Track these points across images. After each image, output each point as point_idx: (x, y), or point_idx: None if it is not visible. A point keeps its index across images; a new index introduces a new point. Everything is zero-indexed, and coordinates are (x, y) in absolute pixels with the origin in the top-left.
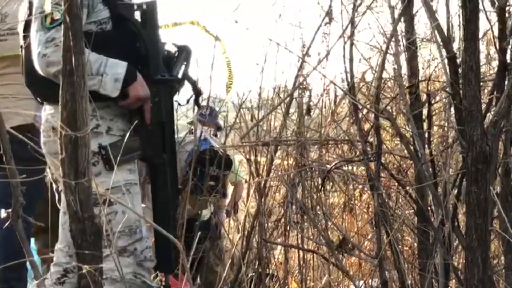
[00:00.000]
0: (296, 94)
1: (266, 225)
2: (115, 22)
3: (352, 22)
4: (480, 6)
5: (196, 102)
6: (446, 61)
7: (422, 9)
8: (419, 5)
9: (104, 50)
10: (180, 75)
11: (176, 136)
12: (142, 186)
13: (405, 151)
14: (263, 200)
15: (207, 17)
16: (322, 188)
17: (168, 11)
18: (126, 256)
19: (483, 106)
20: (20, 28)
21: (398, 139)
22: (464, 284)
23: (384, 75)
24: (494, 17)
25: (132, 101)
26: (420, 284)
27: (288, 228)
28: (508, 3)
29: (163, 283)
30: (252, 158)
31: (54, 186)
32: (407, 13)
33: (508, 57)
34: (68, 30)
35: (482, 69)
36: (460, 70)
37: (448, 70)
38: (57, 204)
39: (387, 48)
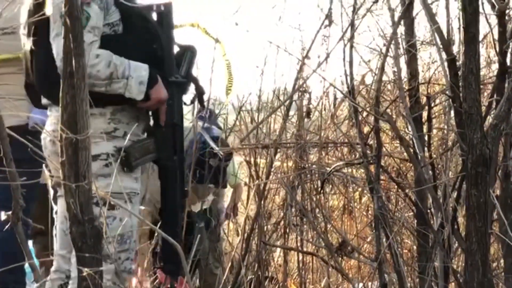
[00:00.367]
0: (296, 96)
1: (265, 227)
2: (129, 24)
3: (352, 24)
4: (480, 9)
5: (200, 101)
6: (446, 64)
7: (422, 12)
8: (419, 7)
9: (120, 52)
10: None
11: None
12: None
13: (405, 154)
14: (262, 202)
15: (207, 16)
16: (322, 191)
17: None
18: (109, 263)
19: (483, 109)
20: (23, 30)
21: (398, 141)
22: (464, 287)
23: (384, 78)
24: (494, 20)
25: (154, 103)
26: (420, 287)
27: (287, 230)
28: (508, 7)
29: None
30: (252, 160)
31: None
32: (407, 16)
33: (508, 60)
34: (69, 32)
35: (482, 72)
36: (460, 73)
37: (448, 73)
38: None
39: (387, 50)
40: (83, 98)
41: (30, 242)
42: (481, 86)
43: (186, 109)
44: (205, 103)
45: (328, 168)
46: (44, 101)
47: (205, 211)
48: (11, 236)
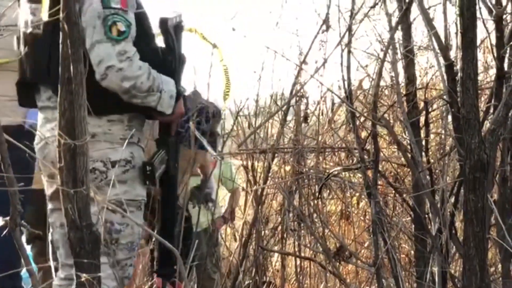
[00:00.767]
0: (293, 101)
1: (263, 232)
2: (145, 36)
3: (349, 29)
4: (478, 14)
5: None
6: (443, 69)
7: (419, 17)
8: (416, 13)
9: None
10: None
11: None
12: None
13: (403, 159)
14: (260, 207)
15: (205, 21)
16: (319, 196)
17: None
18: (118, 269)
19: (481, 114)
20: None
21: (396, 146)
22: None
23: (382, 83)
24: (491, 25)
25: (177, 117)
26: None
27: (285, 235)
28: (505, 12)
29: None
30: (249, 165)
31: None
32: (405, 21)
33: (505, 65)
34: (67, 37)
35: (480, 77)
36: (457, 78)
37: (445, 78)
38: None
39: (385, 55)
40: (81, 103)
41: (28, 247)
42: (479, 91)
43: None
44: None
45: (325, 173)
46: (42, 103)
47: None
48: (7, 242)
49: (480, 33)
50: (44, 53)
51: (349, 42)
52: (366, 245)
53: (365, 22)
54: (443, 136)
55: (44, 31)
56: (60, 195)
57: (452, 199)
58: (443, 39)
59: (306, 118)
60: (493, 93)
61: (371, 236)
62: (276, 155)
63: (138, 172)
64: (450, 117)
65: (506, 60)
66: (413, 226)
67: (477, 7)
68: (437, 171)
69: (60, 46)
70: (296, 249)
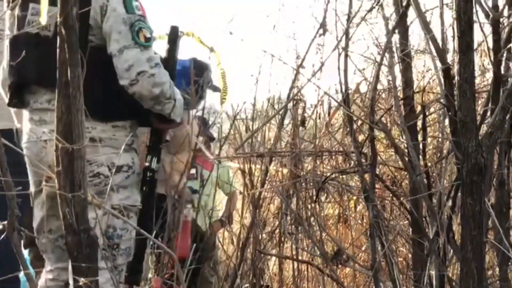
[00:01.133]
0: (290, 105)
1: (260, 236)
2: None
3: (346, 33)
4: (475, 18)
5: None
6: (440, 72)
7: (416, 20)
8: (413, 16)
9: None
10: None
11: None
12: None
13: (400, 162)
14: (257, 211)
15: (202, 25)
16: (317, 199)
17: (167, 16)
18: (116, 274)
19: (478, 117)
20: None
21: (393, 150)
22: None
23: (379, 86)
24: (488, 28)
25: (177, 125)
26: None
27: (282, 239)
28: (502, 15)
29: None
30: (247, 169)
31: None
32: (401, 25)
33: (502, 68)
34: (64, 42)
35: (477, 81)
36: (454, 81)
37: (442, 82)
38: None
39: (382, 59)
40: (79, 108)
41: (25, 252)
42: (476, 95)
43: None
44: (198, 113)
45: (323, 177)
46: (40, 105)
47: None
48: (7, 245)
49: (477, 36)
50: (52, 56)
51: (346, 45)
52: (363, 248)
53: (362, 26)
54: (440, 140)
55: (55, 34)
56: (51, 199)
57: (450, 203)
58: (440, 43)
59: (303, 122)
60: (490, 97)
61: (369, 239)
62: (273, 158)
63: (137, 177)
64: (447, 121)
65: (503, 64)
66: (410, 229)
67: (474, 10)
68: (434, 174)
69: (58, 50)
70: (294, 253)
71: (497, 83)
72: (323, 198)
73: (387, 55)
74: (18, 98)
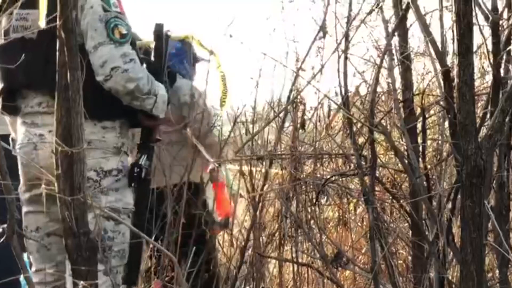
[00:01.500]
0: (290, 108)
1: (260, 239)
2: (134, 44)
3: (346, 36)
4: (474, 20)
5: None
6: (440, 75)
7: (416, 23)
8: (413, 19)
9: None
10: None
11: None
12: None
13: (400, 165)
14: (257, 214)
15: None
16: (317, 202)
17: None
18: (111, 276)
19: (477, 119)
20: None
21: (393, 152)
22: None
23: (378, 89)
24: (487, 31)
25: (162, 122)
26: None
27: (282, 242)
28: (501, 18)
29: None
30: (247, 172)
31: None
32: (401, 27)
33: (502, 71)
34: (64, 45)
35: (476, 83)
36: (454, 84)
37: (442, 84)
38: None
39: (381, 62)
40: (78, 111)
41: (25, 255)
42: (475, 97)
43: None
44: None
45: (323, 179)
46: (30, 109)
47: None
48: (6, 249)
49: (477, 39)
50: (39, 58)
51: (346, 48)
52: (363, 251)
53: (362, 29)
54: (440, 142)
55: (39, 36)
56: (41, 199)
57: (449, 205)
58: (439, 45)
59: (303, 125)
60: (490, 99)
61: (369, 242)
62: (273, 161)
63: (127, 178)
64: (446, 123)
65: (503, 66)
66: (410, 232)
67: (474, 13)
68: (434, 177)
69: (57, 53)
70: (294, 255)
71: (496, 86)
72: (323, 201)
73: (386, 57)
74: (10, 104)
